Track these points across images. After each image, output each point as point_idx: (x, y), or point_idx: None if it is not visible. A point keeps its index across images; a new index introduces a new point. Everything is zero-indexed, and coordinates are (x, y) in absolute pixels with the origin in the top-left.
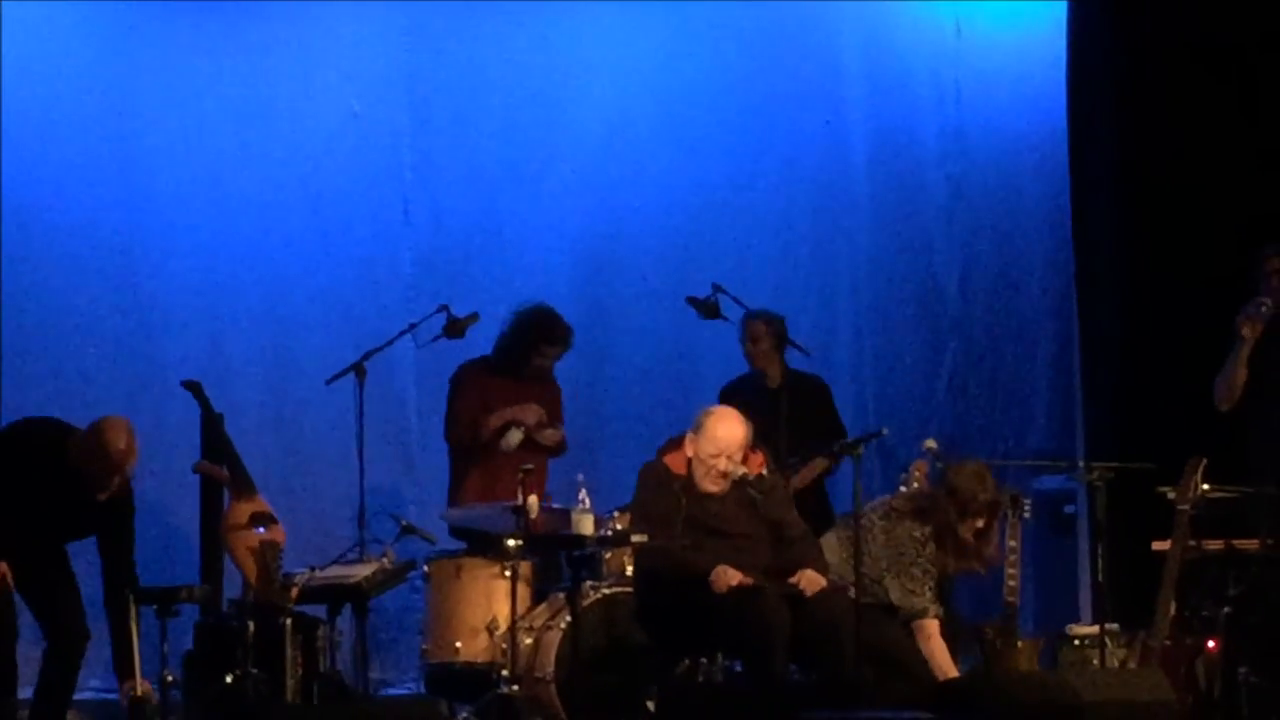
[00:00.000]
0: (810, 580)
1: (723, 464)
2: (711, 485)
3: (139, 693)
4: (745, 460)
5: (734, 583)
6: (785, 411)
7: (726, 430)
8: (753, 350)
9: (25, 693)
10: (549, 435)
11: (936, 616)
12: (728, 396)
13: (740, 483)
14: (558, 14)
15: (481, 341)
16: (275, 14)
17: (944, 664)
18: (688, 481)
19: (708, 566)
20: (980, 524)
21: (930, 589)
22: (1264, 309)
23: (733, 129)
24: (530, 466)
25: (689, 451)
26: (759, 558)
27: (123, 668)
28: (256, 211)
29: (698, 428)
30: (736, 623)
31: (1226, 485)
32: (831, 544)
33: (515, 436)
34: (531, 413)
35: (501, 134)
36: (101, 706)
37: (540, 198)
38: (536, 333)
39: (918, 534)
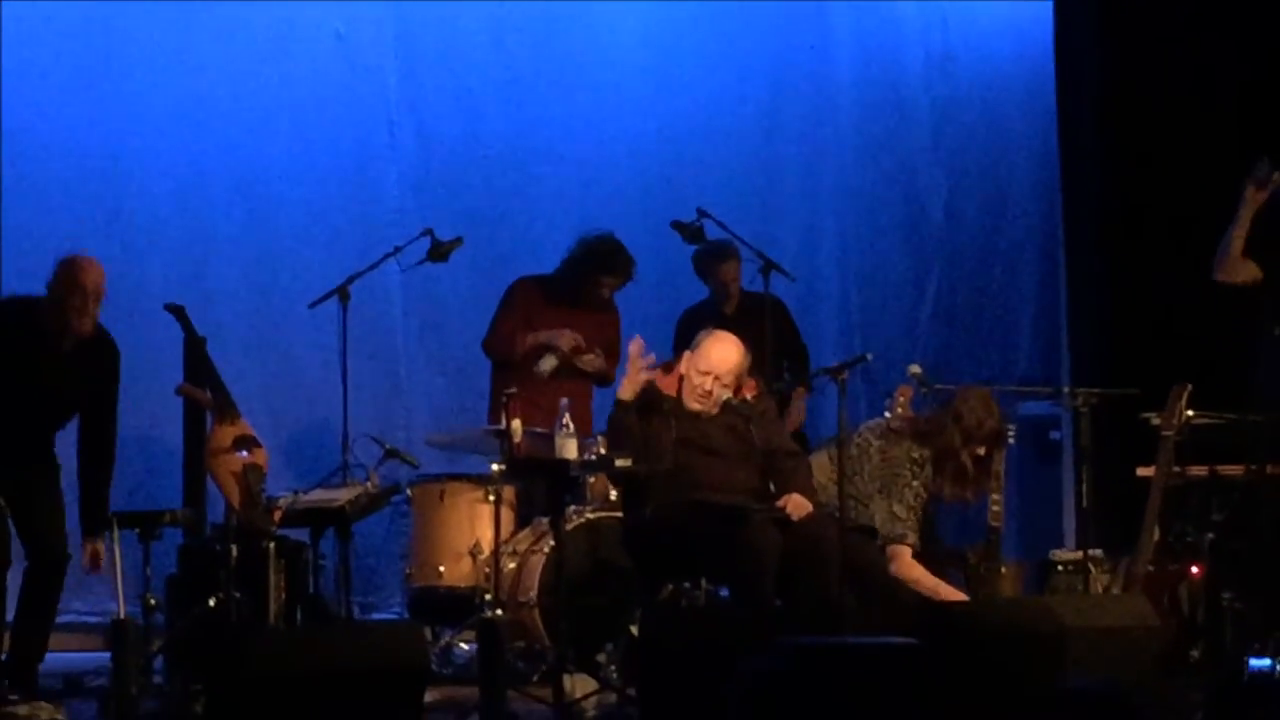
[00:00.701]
0: (796, 504)
1: (709, 384)
2: (695, 403)
3: (93, 552)
4: (739, 390)
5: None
6: (745, 335)
7: (720, 352)
8: (728, 286)
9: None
10: (588, 361)
11: (912, 545)
12: (688, 321)
13: (730, 407)
14: None
15: (468, 267)
16: None
17: (933, 584)
18: (676, 403)
19: (690, 485)
20: (982, 451)
21: (916, 516)
22: (1273, 175)
23: (718, 54)
24: (514, 390)
25: (683, 368)
26: (748, 480)
27: (87, 525)
28: (240, 134)
29: (695, 345)
30: (723, 549)
31: (1211, 411)
32: (823, 463)
33: (548, 362)
34: (566, 338)
35: (488, 58)
36: (84, 629)
37: (527, 122)
38: (596, 261)
39: (916, 455)
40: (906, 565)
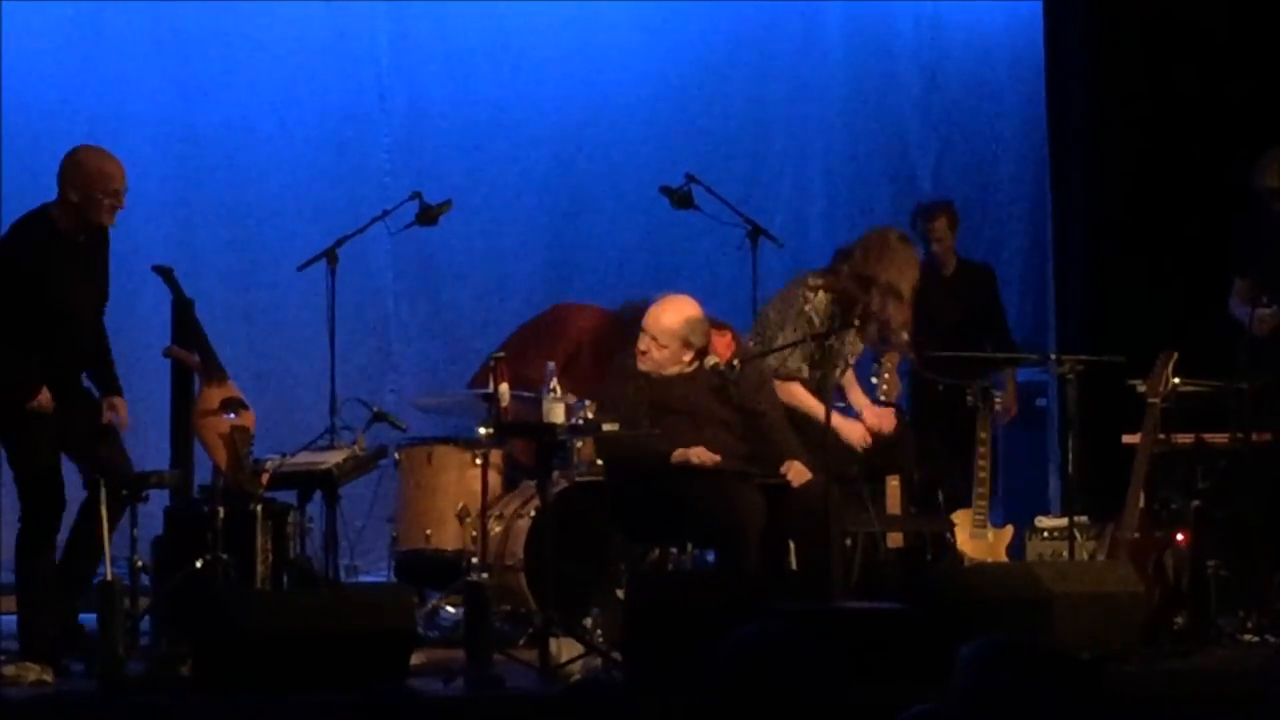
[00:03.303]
0: (798, 472)
1: (643, 343)
2: (641, 363)
3: (111, 404)
4: (708, 348)
5: (695, 460)
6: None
7: (654, 313)
8: (938, 243)
9: None
10: None
11: (802, 380)
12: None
13: (710, 370)
14: None
15: (457, 230)
16: None
17: (813, 405)
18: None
19: (668, 449)
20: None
21: (804, 353)
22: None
23: (708, 17)
24: (501, 354)
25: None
26: (730, 443)
27: (108, 385)
28: (228, 96)
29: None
30: (709, 513)
31: (1197, 379)
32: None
33: None
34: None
35: (479, 21)
36: None
37: (517, 85)
38: None
39: (811, 281)
40: (793, 394)
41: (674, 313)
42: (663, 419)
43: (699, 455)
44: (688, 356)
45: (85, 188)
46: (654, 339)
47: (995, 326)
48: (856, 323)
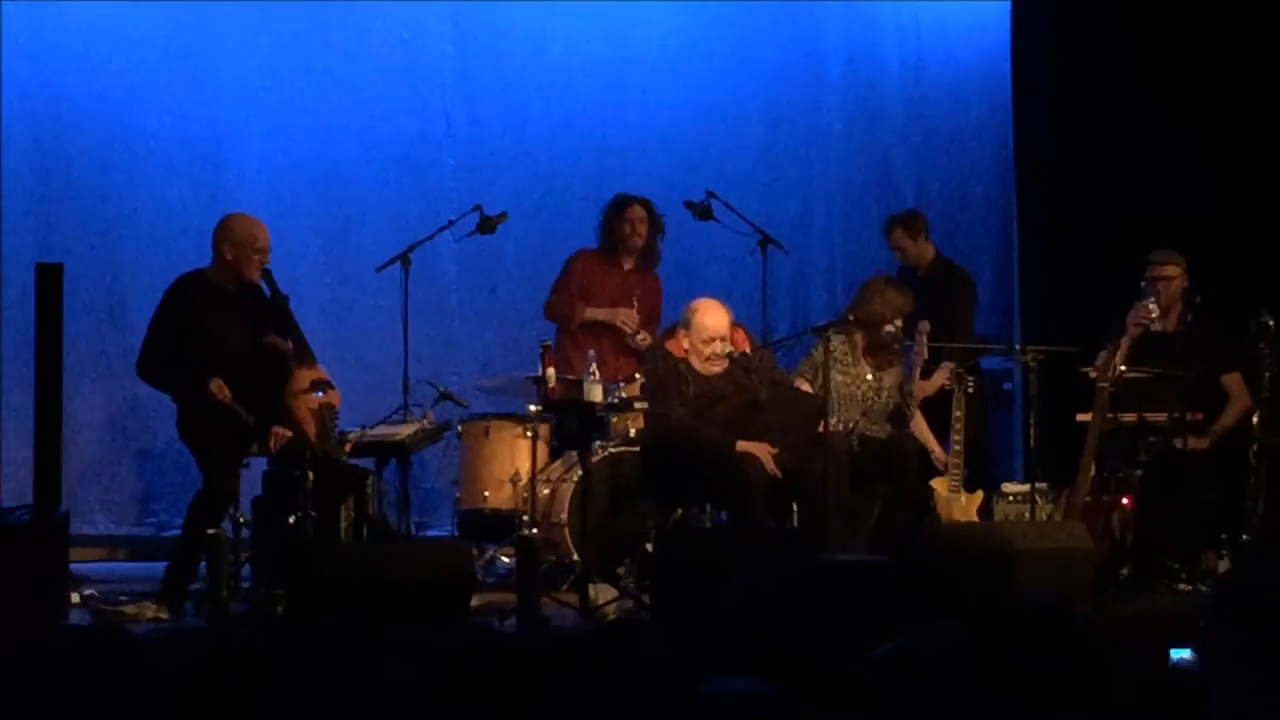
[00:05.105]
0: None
1: (718, 347)
2: (715, 367)
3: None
4: (732, 339)
5: (756, 453)
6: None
7: (714, 319)
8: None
9: None
10: (641, 340)
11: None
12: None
13: (734, 360)
14: None
15: (513, 238)
16: None
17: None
18: (688, 363)
19: (724, 437)
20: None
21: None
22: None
23: (727, 58)
24: (549, 342)
25: (684, 344)
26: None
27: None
28: (320, 123)
29: (687, 324)
30: (721, 479)
31: (1139, 367)
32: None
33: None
34: (621, 316)
35: (532, 60)
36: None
37: (563, 115)
38: (615, 207)
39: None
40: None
41: (721, 311)
42: (706, 403)
43: (760, 450)
44: (723, 350)
45: (237, 248)
46: (722, 339)
47: (945, 322)
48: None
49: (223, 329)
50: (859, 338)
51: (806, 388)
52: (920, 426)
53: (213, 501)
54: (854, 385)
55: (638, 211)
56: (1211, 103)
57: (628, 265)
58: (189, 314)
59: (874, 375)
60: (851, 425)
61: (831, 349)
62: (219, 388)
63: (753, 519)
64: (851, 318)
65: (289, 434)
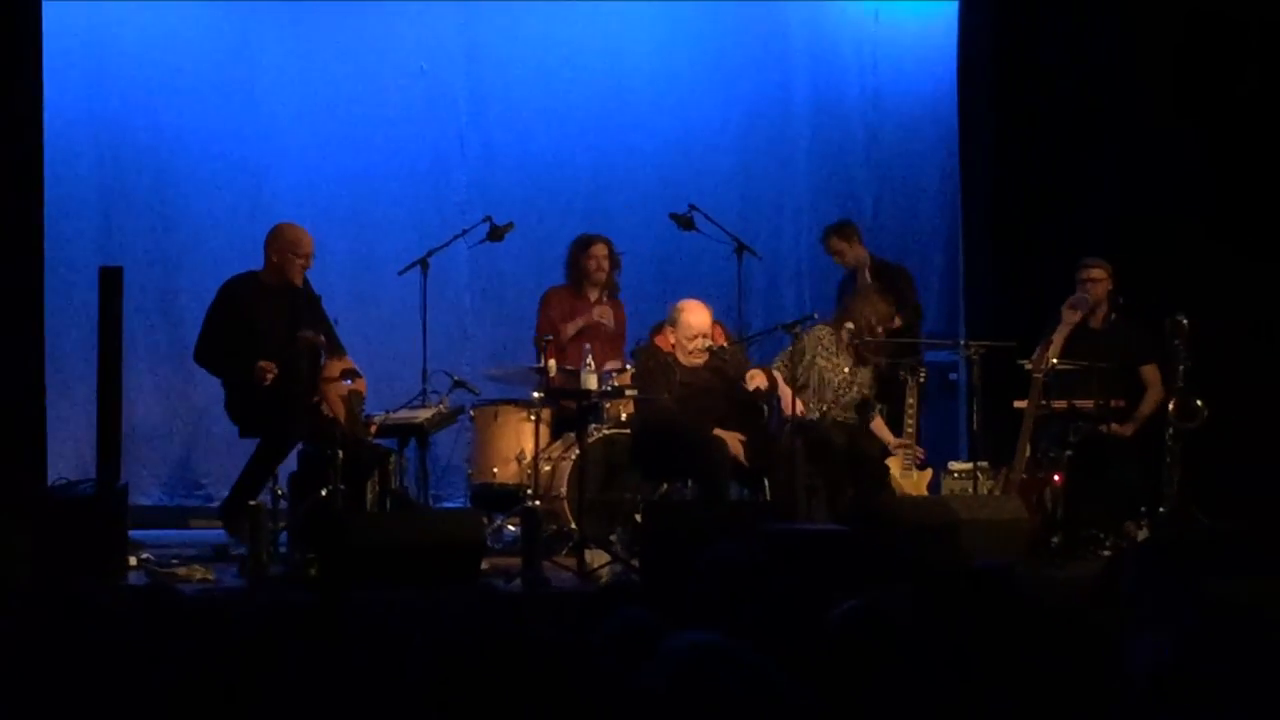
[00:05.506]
0: (760, 380)
1: (701, 343)
2: (697, 360)
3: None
4: (712, 334)
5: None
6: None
7: (698, 317)
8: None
9: None
10: (600, 314)
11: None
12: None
13: (713, 353)
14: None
15: (518, 245)
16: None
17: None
18: (674, 356)
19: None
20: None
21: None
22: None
23: (708, 89)
24: (551, 337)
25: (671, 340)
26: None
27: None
28: (349, 143)
29: (674, 322)
30: (695, 458)
31: (1069, 359)
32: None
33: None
34: (602, 313)
35: (535, 87)
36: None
37: (563, 136)
38: (578, 247)
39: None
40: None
41: (704, 310)
42: (688, 391)
43: (731, 438)
44: (705, 345)
45: (282, 252)
46: (704, 335)
47: (911, 304)
48: (849, 325)
49: (267, 323)
50: (845, 333)
51: (780, 376)
52: (879, 424)
53: (278, 440)
54: (833, 373)
55: (600, 249)
56: (1209, 107)
57: (593, 297)
58: (239, 309)
59: (850, 370)
60: (825, 408)
61: (820, 337)
62: (266, 367)
63: (722, 493)
64: (849, 325)
65: (274, 370)
